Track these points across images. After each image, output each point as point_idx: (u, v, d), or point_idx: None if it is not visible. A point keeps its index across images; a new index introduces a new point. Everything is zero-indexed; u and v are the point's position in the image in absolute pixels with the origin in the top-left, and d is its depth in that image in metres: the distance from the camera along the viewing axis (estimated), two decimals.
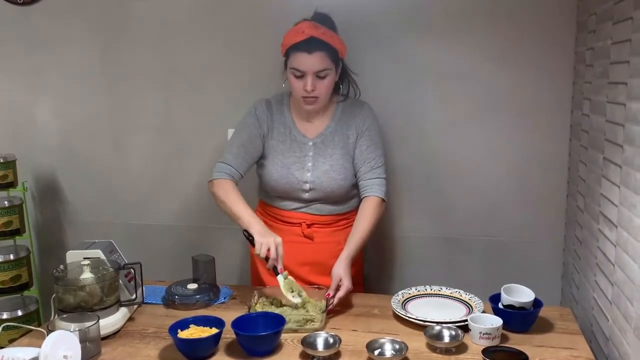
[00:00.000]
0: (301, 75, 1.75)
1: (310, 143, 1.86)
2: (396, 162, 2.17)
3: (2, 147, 2.41)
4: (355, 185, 1.89)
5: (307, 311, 1.62)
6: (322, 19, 1.82)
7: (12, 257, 2.32)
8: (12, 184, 2.33)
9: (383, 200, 1.83)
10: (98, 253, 1.63)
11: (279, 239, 1.66)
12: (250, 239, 1.69)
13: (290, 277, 1.68)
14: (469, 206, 2.20)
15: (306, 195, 1.86)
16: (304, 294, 1.68)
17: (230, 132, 2.24)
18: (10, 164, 2.32)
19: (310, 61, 1.73)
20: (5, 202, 2.30)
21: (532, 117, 2.10)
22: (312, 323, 1.58)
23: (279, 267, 1.66)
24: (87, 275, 1.55)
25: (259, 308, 1.65)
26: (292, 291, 1.67)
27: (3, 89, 2.50)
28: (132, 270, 1.67)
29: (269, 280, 1.90)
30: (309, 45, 1.73)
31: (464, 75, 2.11)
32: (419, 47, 2.13)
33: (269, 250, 1.63)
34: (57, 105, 2.47)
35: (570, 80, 2.05)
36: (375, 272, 2.30)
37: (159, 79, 2.35)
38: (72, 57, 2.40)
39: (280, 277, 1.66)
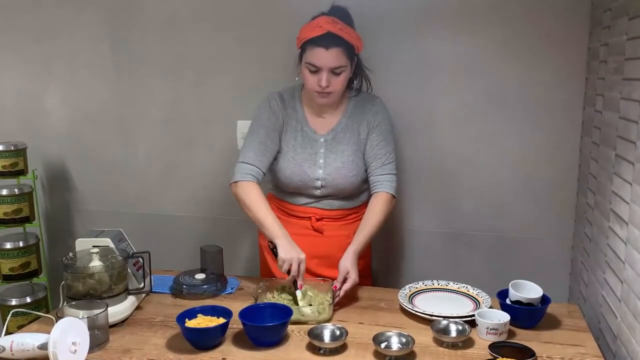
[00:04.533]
0: (316, 71, 1.73)
1: (322, 139, 1.85)
2: (405, 157, 2.16)
3: (13, 134, 2.42)
4: (366, 181, 1.88)
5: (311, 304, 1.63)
6: (340, 12, 1.79)
7: (21, 244, 2.34)
8: (22, 172, 2.34)
9: (393, 196, 1.83)
10: (107, 241, 1.64)
11: (302, 256, 1.65)
12: (274, 250, 1.69)
13: (309, 293, 1.68)
14: (477, 202, 2.19)
15: (317, 192, 1.86)
16: (315, 308, 1.65)
17: (240, 123, 2.26)
18: (20, 152, 2.33)
19: (326, 57, 1.71)
20: (16, 190, 2.32)
21: (543, 113, 2.08)
22: (318, 312, 1.58)
23: (299, 282, 1.66)
24: (96, 263, 1.56)
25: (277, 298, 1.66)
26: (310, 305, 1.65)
27: (13, 78, 2.52)
28: (141, 259, 1.68)
29: (278, 272, 1.90)
30: (326, 40, 1.70)
31: (474, 70, 2.10)
32: (428, 42, 2.11)
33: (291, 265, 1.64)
34: (67, 94, 2.48)
35: (583, 76, 2.03)
36: (382, 265, 2.30)
37: (168, 69, 2.35)
38: (82, 46, 2.41)
39: (298, 293, 1.66)
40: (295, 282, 1.66)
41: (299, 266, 1.64)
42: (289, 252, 1.64)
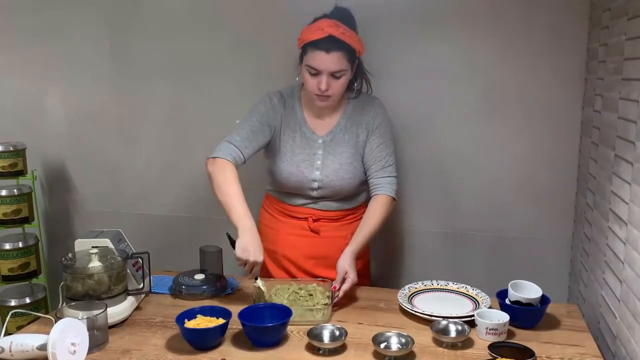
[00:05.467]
0: (316, 73, 1.72)
1: (320, 141, 1.84)
2: (405, 157, 2.16)
3: (12, 135, 2.41)
4: (364, 182, 1.88)
5: (313, 303, 1.63)
6: (343, 14, 1.77)
7: (21, 245, 2.34)
8: (21, 172, 2.34)
9: (393, 199, 1.83)
10: (106, 242, 1.64)
11: (259, 259, 1.60)
12: (231, 242, 1.63)
13: (263, 284, 1.66)
14: (477, 202, 2.19)
15: (314, 193, 1.85)
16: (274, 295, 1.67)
17: None
18: (20, 152, 2.33)
19: (327, 61, 1.69)
20: (15, 190, 2.31)
21: (542, 114, 2.08)
22: (317, 312, 1.58)
23: (258, 281, 1.64)
24: (95, 264, 1.56)
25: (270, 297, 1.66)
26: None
27: (14, 78, 2.51)
28: (140, 260, 1.68)
29: (276, 273, 1.91)
30: (328, 44, 1.68)
31: (474, 70, 2.10)
32: (428, 43, 2.11)
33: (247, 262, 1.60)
34: (67, 95, 2.48)
35: (582, 77, 2.03)
36: (382, 266, 2.30)
37: (167, 70, 2.35)
38: (82, 46, 2.41)
39: (259, 282, 1.65)
40: (256, 278, 1.64)
41: (252, 269, 1.61)
42: (245, 252, 1.59)
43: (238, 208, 1.65)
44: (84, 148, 2.50)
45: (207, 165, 1.74)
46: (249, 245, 1.60)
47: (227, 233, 1.67)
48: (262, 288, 1.65)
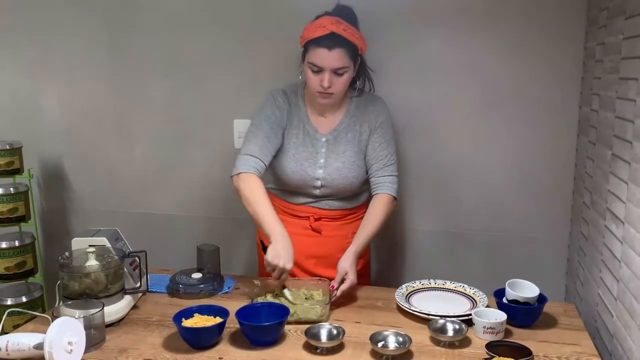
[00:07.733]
0: (318, 71, 1.72)
1: (323, 139, 1.84)
2: (403, 156, 2.16)
3: (8, 133, 2.41)
4: (366, 182, 1.88)
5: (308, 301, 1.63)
6: (344, 12, 1.77)
7: (17, 243, 2.33)
8: (17, 171, 2.33)
9: (394, 198, 1.83)
10: (103, 241, 1.64)
11: (288, 266, 1.60)
12: (263, 247, 1.67)
13: (290, 291, 1.67)
14: (475, 201, 2.19)
15: (317, 192, 1.85)
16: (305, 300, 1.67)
17: (237, 122, 2.26)
18: (16, 151, 2.32)
19: (329, 58, 1.69)
20: (11, 189, 2.31)
21: (540, 113, 2.08)
22: (315, 311, 1.57)
23: (286, 288, 1.65)
24: (92, 263, 1.55)
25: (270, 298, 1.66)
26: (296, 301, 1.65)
27: (10, 76, 2.50)
28: (137, 259, 1.68)
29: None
30: (329, 41, 1.69)
31: (472, 69, 2.10)
32: (427, 42, 2.11)
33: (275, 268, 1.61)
34: (63, 92, 2.47)
35: (579, 76, 2.03)
36: (380, 265, 2.30)
37: (165, 68, 2.34)
38: (79, 44, 2.40)
39: (286, 292, 1.65)
40: (283, 286, 1.66)
41: (280, 275, 1.62)
42: (276, 257, 1.60)
43: (269, 219, 1.67)
44: (81, 146, 2.49)
45: (233, 181, 1.77)
46: (281, 252, 1.61)
47: (260, 239, 1.70)
48: (289, 298, 1.64)
